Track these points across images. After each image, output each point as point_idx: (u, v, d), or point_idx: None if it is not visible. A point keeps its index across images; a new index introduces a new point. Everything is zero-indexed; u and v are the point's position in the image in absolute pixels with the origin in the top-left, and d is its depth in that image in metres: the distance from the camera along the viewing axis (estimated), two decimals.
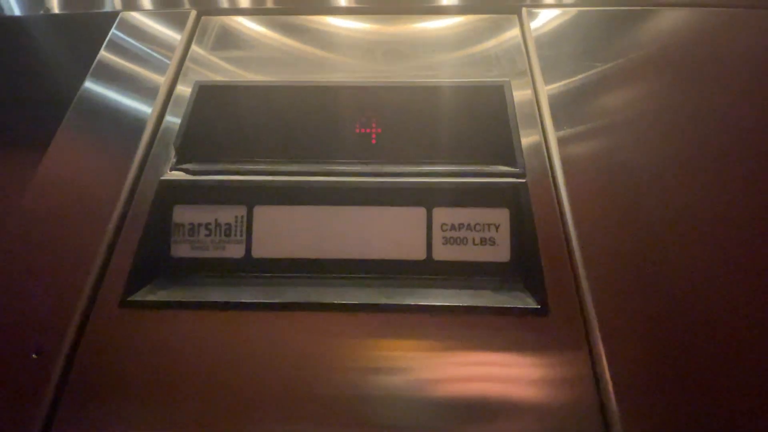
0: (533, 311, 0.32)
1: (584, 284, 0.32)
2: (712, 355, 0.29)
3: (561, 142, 0.38)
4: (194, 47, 0.48)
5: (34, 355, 0.32)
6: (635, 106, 0.39)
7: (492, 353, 0.31)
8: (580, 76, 0.41)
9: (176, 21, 0.50)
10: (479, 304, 0.32)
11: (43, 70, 0.58)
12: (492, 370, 0.30)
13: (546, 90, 0.41)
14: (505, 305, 0.32)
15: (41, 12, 0.53)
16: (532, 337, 0.31)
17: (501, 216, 0.37)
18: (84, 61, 0.47)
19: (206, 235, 0.38)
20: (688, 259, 0.32)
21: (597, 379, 0.29)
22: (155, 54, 0.47)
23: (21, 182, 0.41)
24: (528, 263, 0.35)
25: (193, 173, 0.38)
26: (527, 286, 0.34)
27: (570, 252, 0.33)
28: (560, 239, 0.34)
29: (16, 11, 0.54)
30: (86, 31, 0.51)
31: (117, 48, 0.48)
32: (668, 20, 0.45)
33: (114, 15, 0.50)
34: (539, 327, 0.31)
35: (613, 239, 0.33)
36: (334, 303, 0.33)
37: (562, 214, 0.35)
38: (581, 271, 0.32)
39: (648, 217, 0.34)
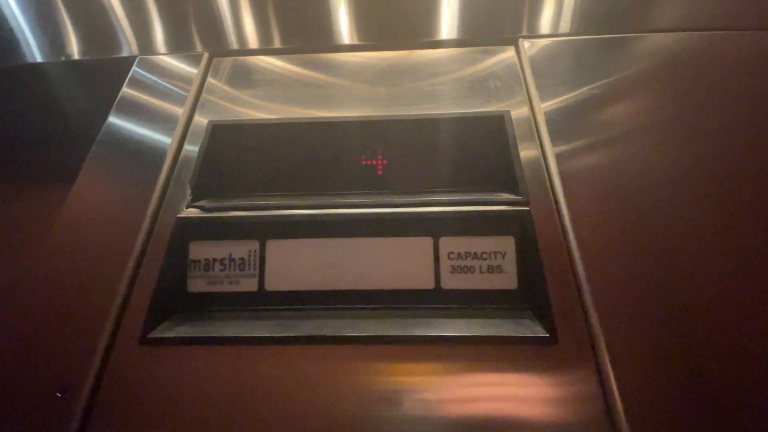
0: (542, 340, 0.32)
1: (591, 309, 0.32)
2: (724, 380, 0.29)
3: (561, 167, 0.39)
4: (208, 86, 0.50)
5: (58, 394, 0.33)
6: (634, 131, 0.40)
7: (502, 384, 0.31)
8: (578, 103, 0.43)
9: (192, 61, 0.52)
10: (488, 334, 0.33)
11: (67, 111, 0.61)
12: (502, 401, 0.31)
13: (545, 117, 0.42)
14: (514, 334, 0.33)
15: (62, 59, 0.56)
16: (542, 366, 0.31)
17: (507, 244, 0.38)
18: (103, 103, 0.50)
19: (221, 270, 0.39)
20: (697, 280, 0.32)
21: (608, 407, 0.29)
22: (172, 92, 0.49)
23: (48, 219, 0.43)
24: (535, 290, 0.35)
25: (208, 210, 0.40)
26: (536, 313, 0.35)
27: (576, 277, 0.34)
28: (565, 264, 0.35)
29: (38, 58, 0.58)
30: (104, 76, 0.54)
31: (137, 85, 0.51)
32: (670, 45, 0.46)
33: (132, 60, 0.53)
34: (549, 355, 0.32)
35: (617, 262, 0.34)
36: (344, 336, 0.34)
37: (566, 239, 0.36)
38: (587, 296, 0.33)
39: (652, 237, 0.34)
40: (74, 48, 0.57)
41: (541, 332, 0.33)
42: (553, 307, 0.33)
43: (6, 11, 0.61)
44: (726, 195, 0.36)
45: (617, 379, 0.29)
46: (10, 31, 0.59)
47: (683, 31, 0.47)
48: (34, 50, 0.58)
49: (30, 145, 0.63)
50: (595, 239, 0.35)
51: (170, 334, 0.35)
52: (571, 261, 0.35)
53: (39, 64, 0.57)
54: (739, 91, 0.41)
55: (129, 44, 0.56)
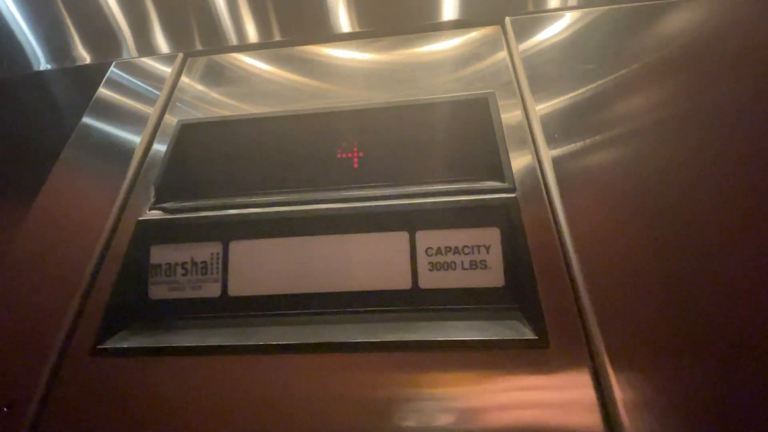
0: (531, 343, 0.28)
1: (588, 308, 0.28)
2: (729, 378, 0.24)
3: (553, 152, 0.35)
4: (181, 85, 0.48)
5: (5, 409, 0.31)
6: (631, 111, 0.35)
7: (487, 393, 0.27)
8: (569, 84, 0.38)
9: (167, 62, 0.51)
10: (470, 338, 0.29)
11: (48, 120, 0.61)
12: (487, 411, 0.26)
13: (534, 100, 0.38)
14: (500, 338, 0.28)
15: (49, 67, 0.55)
16: (532, 372, 0.27)
17: (491, 236, 0.33)
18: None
19: (183, 275, 0.36)
20: (698, 275, 0.27)
21: (607, 416, 0.24)
22: (145, 92, 0.48)
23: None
24: (524, 288, 0.31)
25: (170, 212, 0.38)
26: (525, 313, 0.31)
27: (570, 272, 0.30)
28: (558, 258, 0.30)
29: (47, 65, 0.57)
30: (84, 82, 0.53)
31: (113, 85, 0.50)
32: (664, 16, 0.42)
33: (108, 65, 0.52)
34: (539, 360, 0.27)
35: (616, 255, 0.29)
36: (310, 344, 0.30)
37: (558, 230, 0.31)
38: (584, 294, 0.28)
39: (654, 225, 0.29)
40: (53, 56, 0.57)
41: (530, 335, 0.28)
42: (544, 306, 0.29)
43: None
44: (726, 188, 0.31)
45: (618, 385, 0.25)
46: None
47: None
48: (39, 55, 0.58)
49: (15, 155, 0.63)
50: (590, 230, 0.30)
51: (122, 345, 0.32)
52: (564, 254, 0.30)
53: (25, 74, 0.57)
54: (749, 68, 0.36)
55: (104, 49, 0.55)
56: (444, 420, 0.27)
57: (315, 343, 0.31)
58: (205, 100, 0.47)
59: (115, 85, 0.50)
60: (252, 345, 0.31)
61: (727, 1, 0.40)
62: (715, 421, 0.23)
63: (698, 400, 0.24)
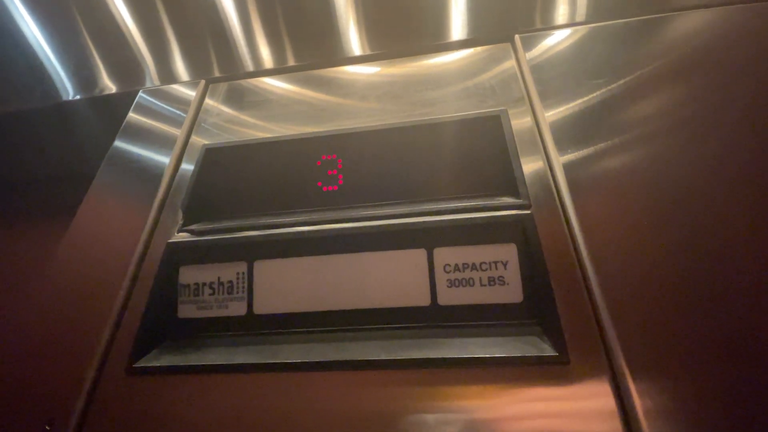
0: (551, 359, 0.28)
1: (607, 323, 0.28)
2: (750, 387, 0.24)
3: (566, 166, 0.35)
4: (205, 106, 0.51)
5: (47, 426, 0.32)
6: (643, 121, 0.36)
7: (507, 412, 0.27)
8: (579, 97, 0.39)
9: (191, 88, 0.54)
10: (490, 355, 0.29)
11: (82, 146, 0.64)
12: (511, 428, 0.27)
13: (546, 114, 0.39)
14: (520, 354, 0.29)
15: (79, 97, 0.59)
16: (551, 389, 0.27)
17: (508, 252, 0.34)
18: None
19: (210, 294, 0.38)
20: (717, 283, 0.27)
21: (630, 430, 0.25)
22: (173, 114, 0.51)
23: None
24: (542, 303, 0.31)
25: (197, 233, 0.39)
26: (544, 329, 0.31)
27: (587, 286, 0.30)
28: (575, 272, 0.31)
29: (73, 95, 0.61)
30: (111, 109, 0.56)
31: (142, 110, 0.53)
32: (671, 27, 0.42)
33: (135, 93, 0.55)
34: (559, 377, 0.28)
35: (634, 268, 0.29)
36: (334, 361, 0.31)
37: (574, 244, 0.32)
38: (602, 308, 0.28)
39: (671, 239, 0.30)
40: (81, 86, 0.60)
41: (550, 351, 0.29)
42: (563, 321, 0.29)
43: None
44: (743, 193, 0.31)
45: (641, 402, 0.25)
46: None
47: (694, 9, 0.43)
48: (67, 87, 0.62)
49: (48, 182, 0.66)
50: (606, 242, 0.31)
51: (156, 363, 0.34)
52: (581, 267, 0.31)
53: (63, 102, 0.60)
54: (757, 90, 0.36)
55: (128, 78, 0.58)
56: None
57: (338, 361, 0.31)
58: (230, 121, 0.49)
59: (144, 110, 0.53)
60: (277, 363, 0.32)
61: (733, 10, 0.41)
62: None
63: (720, 410, 0.24)
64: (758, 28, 0.40)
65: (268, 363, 0.32)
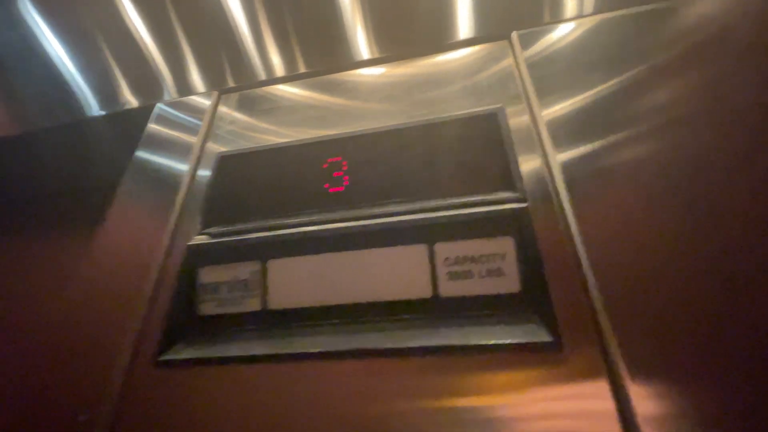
0: (546, 345, 0.30)
1: (599, 308, 0.29)
2: (749, 383, 0.25)
3: (562, 161, 0.36)
4: (219, 114, 0.55)
5: (81, 417, 0.36)
6: (637, 116, 0.37)
7: (505, 394, 0.29)
8: (576, 93, 0.40)
9: (205, 99, 0.57)
10: (488, 342, 0.31)
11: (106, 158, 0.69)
12: (504, 413, 0.28)
13: (542, 111, 0.40)
14: (516, 341, 0.30)
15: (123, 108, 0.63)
16: (547, 373, 0.29)
17: (505, 245, 0.36)
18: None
19: (228, 292, 0.40)
20: (713, 277, 0.28)
21: (625, 421, 0.26)
22: (189, 123, 0.54)
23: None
24: (539, 292, 0.33)
25: (215, 236, 0.42)
26: (541, 317, 0.32)
27: (581, 275, 0.31)
28: (569, 263, 0.32)
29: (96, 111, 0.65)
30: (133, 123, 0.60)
31: (160, 120, 0.57)
32: (670, 18, 0.43)
33: (152, 107, 0.58)
34: (555, 360, 0.29)
35: (627, 258, 0.30)
36: (343, 350, 0.33)
37: (569, 236, 0.33)
38: (596, 296, 0.30)
39: (664, 229, 0.31)
40: (104, 102, 0.65)
41: (545, 338, 0.30)
42: (557, 308, 0.31)
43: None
44: (741, 189, 0.31)
45: (632, 382, 0.26)
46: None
47: None
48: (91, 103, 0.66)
49: (78, 193, 0.71)
50: (600, 235, 0.32)
51: (180, 356, 0.37)
52: (576, 259, 0.32)
53: (90, 117, 0.65)
54: (759, 84, 0.36)
55: (147, 92, 0.62)
56: (467, 419, 0.29)
57: (347, 350, 0.34)
58: (243, 127, 0.52)
59: (162, 120, 0.57)
60: (291, 353, 0.34)
61: (732, 1, 0.41)
62: (730, 423, 0.24)
63: (712, 402, 0.25)
64: (761, 16, 0.40)
65: (283, 354, 0.35)
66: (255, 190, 0.47)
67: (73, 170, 0.68)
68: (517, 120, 0.41)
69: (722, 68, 0.37)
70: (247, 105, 0.55)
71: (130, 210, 0.49)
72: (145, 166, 0.52)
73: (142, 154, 0.54)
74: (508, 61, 0.47)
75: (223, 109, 0.55)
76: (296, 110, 0.52)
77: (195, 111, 0.56)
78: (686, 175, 0.33)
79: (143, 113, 0.59)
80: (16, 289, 0.62)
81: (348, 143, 0.45)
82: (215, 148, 0.51)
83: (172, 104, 0.58)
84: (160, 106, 0.58)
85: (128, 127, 0.59)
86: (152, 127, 0.56)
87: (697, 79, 0.37)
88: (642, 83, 0.39)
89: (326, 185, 0.44)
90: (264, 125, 0.51)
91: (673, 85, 0.38)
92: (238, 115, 0.54)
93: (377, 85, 0.51)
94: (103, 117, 0.63)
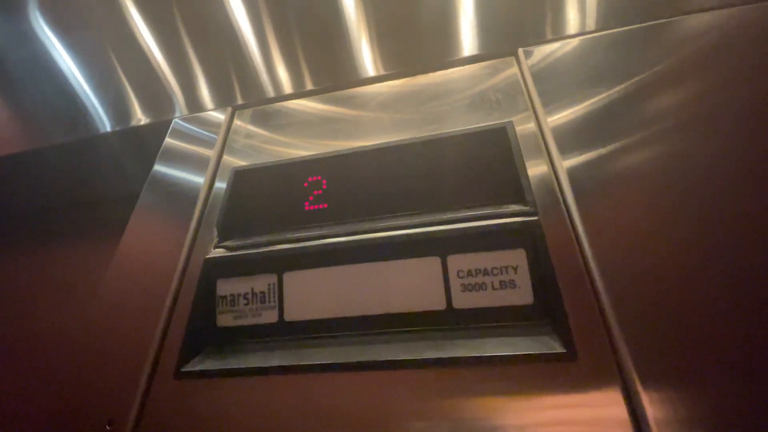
0: (560, 356, 0.30)
1: (612, 319, 0.30)
2: (761, 388, 0.25)
3: (570, 173, 0.37)
4: (234, 127, 0.56)
5: (107, 426, 0.37)
6: (645, 125, 0.38)
7: (519, 404, 0.29)
8: (581, 105, 0.41)
9: (220, 114, 0.59)
10: (502, 353, 0.32)
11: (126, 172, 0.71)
12: (521, 422, 0.29)
13: (549, 123, 0.41)
14: (529, 352, 0.31)
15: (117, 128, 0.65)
16: (562, 383, 0.29)
17: (518, 257, 0.36)
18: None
19: (245, 305, 0.41)
20: (725, 285, 0.29)
21: (637, 422, 0.26)
22: (205, 137, 0.56)
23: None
24: (551, 304, 0.33)
25: (231, 249, 0.43)
26: (554, 328, 0.33)
27: (593, 285, 0.32)
28: (582, 273, 0.33)
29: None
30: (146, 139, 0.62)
31: (177, 135, 0.58)
32: (672, 32, 0.44)
33: (166, 123, 0.60)
34: (569, 372, 0.30)
35: (637, 269, 0.31)
36: (358, 362, 0.34)
37: (580, 247, 0.34)
38: (607, 307, 0.30)
39: (674, 241, 0.31)
40: (117, 119, 0.66)
41: (559, 348, 0.31)
42: (571, 319, 0.31)
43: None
44: (751, 195, 0.32)
45: (645, 392, 0.27)
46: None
47: (699, 12, 0.44)
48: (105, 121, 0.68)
49: (102, 205, 0.73)
50: (611, 245, 0.33)
51: (200, 368, 0.37)
52: (588, 269, 0.33)
53: (105, 133, 0.66)
54: (761, 95, 0.37)
55: (159, 109, 0.63)
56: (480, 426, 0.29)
57: (362, 362, 0.34)
58: (259, 140, 0.53)
59: (179, 135, 0.58)
60: (308, 365, 0.35)
61: (736, 13, 0.42)
62: (742, 428, 0.25)
63: (724, 408, 0.25)
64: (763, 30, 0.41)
65: (299, 365, 0.36)
66: (270, 203, 0.48)
67: (92, 184, 0.69)
68: (524, 133, 0.42)
69: (722, 77, 0.38)
70: (261, 119, 0.56)
71: (149, 223, 0.50)
72: (164, 179, 0.54)
73: (160, 167, 0.55)
74: (514, 76, 0.48)
75: (238, 123, 0.57)
76: (312, 124, 0.53)
77: (210, 125, 0.58)
78: (693, 181, 0.33)
79: (158, 128, 0.60)
80: (36, 303, 0.64)
81: (360, 158, 0.46)
82: (231, 161, 0.52)
83: (188, 119, 0.60)
84: (176, 121, 0.60)
85: (145, 143, 0.60)
86: (170, 141, 0.58)
87: (699, 87, 0.38)
88: (645, 93, 0.40)
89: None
90: (280, 138, 0.53)
91: (677, 93, 0.38)
92: (253, 129, 0.55)
93: (389, 99, 0.52)
94: (119, 132, 0.64)
